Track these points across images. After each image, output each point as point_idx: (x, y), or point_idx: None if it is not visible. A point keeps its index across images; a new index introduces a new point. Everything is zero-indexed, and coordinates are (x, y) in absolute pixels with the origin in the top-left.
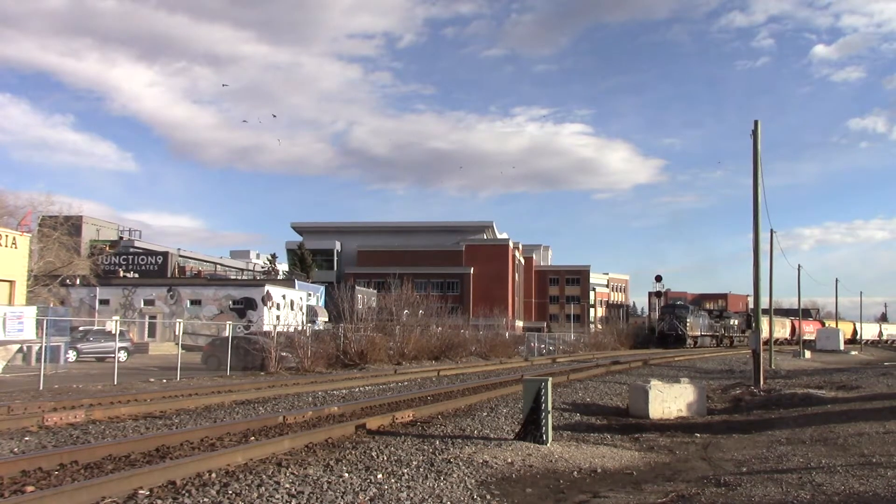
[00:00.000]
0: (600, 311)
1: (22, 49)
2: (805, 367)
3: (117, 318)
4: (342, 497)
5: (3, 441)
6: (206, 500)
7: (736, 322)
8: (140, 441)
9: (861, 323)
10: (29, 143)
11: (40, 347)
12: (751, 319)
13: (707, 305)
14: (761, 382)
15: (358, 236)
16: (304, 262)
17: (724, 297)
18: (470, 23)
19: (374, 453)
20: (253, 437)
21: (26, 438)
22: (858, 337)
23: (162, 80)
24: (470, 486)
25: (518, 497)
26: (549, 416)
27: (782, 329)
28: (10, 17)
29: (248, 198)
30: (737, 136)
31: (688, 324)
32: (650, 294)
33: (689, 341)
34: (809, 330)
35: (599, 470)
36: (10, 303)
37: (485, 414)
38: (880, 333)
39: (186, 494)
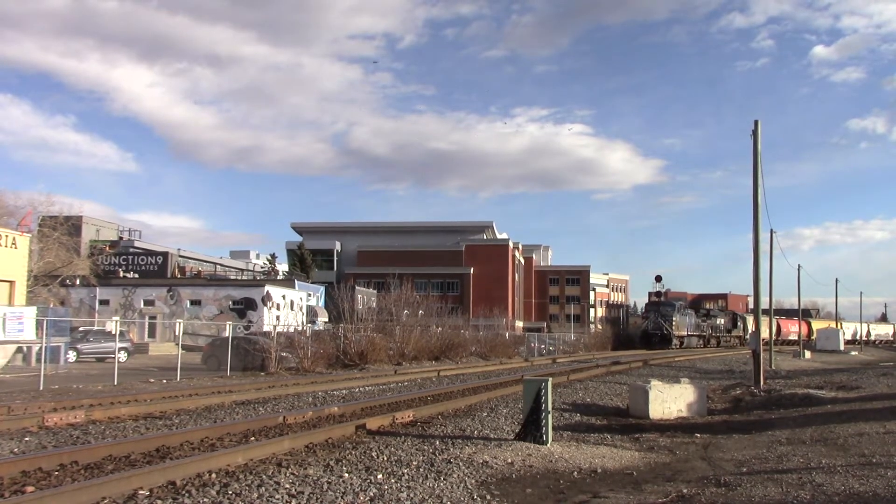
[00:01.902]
0: (600, 311)
1: (23, 49)
2: (805, 368)
3: (117, 318)
4: (342, 497)
5: (3, 441)
6: (206, 500)
7: (722, 321)
8: (140, 441)
9: (861, 323)
10: (30, 143)
11: (40, 348)
12: (736, 319)
13: (707, 305)
14: (761, 383)
15: (358, 236)
16: (304, 263)
17: (724, 297)
18: (470, 24)
19: (374, 453)
20: (253, 438)
21: (26, 439)
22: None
23: (162, 80)
24: (470, 487)
25: (518, 497)
26: (550, 416)
27: (766, 329)
28: (12, 18)
29: (248, 198)
30: (737, 136)
31: (674, 322)
32: (650, 294)
33: (676, 341)
34: (794, 329)
35: (599, 470)
36: (10, 303)
37: (485, 414)
38: (868, 333)
39: (186, 495)
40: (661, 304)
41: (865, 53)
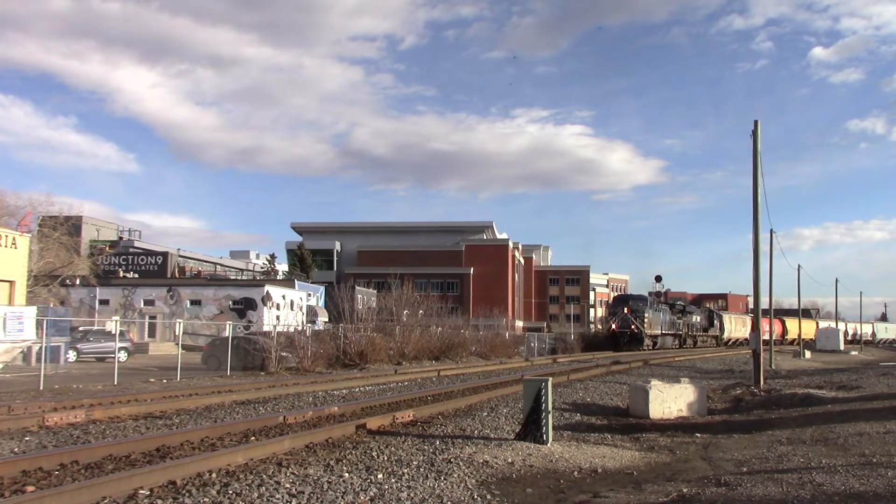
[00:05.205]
0: (601, 311)
1: (25, 51)
2: (805, 368)
3: (117, 318)
4: (342, 497)
5: (3, 441)
6: (206, 500)
7: (698, 319)
8: (140, 441)
9: (861, 323)
10: (32, 144)
11: (40, 347)
12: (712, 317)
13: (707, 305)
14: (761, 382)
15: (358, 236)
16: (304, 263)
17: (724, 297)
18: (471, 25)
19: (374, 453)
20: (253, 437)
21: (27, 438)
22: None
23: (164, 81)
24: (470, 486)
25: (518, 497)
26: (550, 416)
27: (743, 328)
28: (14, 19)
29: (249, 198)
30: (737, 136)
31: (646, 320)
32: (650, 294)
33: (648, 341)
34: (768, 329)
35: (600, 470)
36: (10, 303)
37: (485, 414)
38: (846, 332)
39: (187, 494)
40: (630, 297)
41: (864, 55)
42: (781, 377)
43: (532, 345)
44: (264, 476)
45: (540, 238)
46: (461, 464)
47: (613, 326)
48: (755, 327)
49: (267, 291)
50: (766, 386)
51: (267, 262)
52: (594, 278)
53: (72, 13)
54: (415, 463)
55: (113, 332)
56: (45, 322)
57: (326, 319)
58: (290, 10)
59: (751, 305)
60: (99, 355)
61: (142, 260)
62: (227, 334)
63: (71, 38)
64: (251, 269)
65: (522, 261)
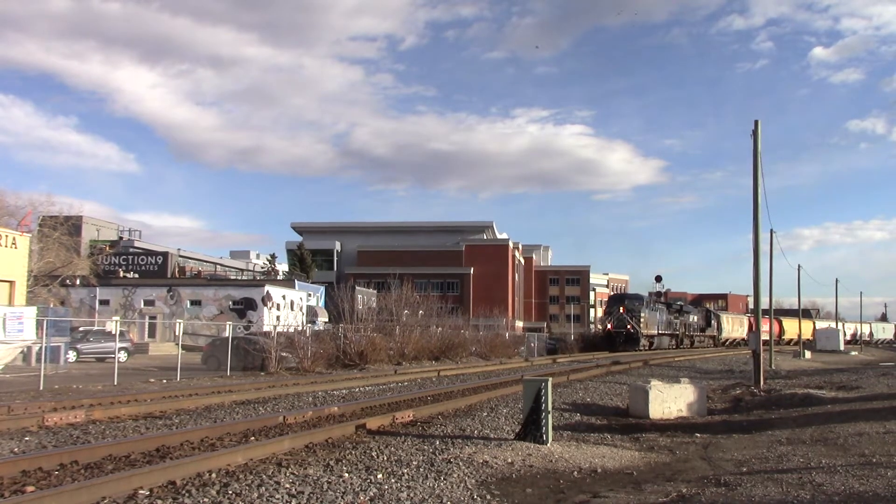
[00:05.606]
0: (601, 311)
1: (26, 51)
2: (805, 368)
3: (117, 318)
4: (342, 497)
5: (3, 441)
6: (206, 500)
7: (695, 318)
8: (140, 441)
9: (861, 323)
10: (32, 144)
11: (40, 348)
12: (709, 317)
13: (707, 305)
14: (761, 382)
15: (358, 236)
16: (304, 263)
17: (724, 297)
18: (471, 25)
19: (374, 453)
20: (253, 438)
21: (26, 438)
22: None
23: (164, 81)
24: (470, 486)
25: (518, 497)
26: (550, 416)
27: (740, 328)
28: (14, 19)
29: (249, 198)
30: (737, 136)
31: (642, 319)
32: (650, 294)
33: (644, 341)
34: (765, 329)
35: (600, 470)
36: (10, 303)
37: (485, 414)
38: (846, 332)
39: (186, 494)
40: (626, 297)
41: (864, 55)
42: (781, 377)
43: (532, 345)
44: (264, 476)
45: (540, 238)
46: (461, 464)
47: (609, 326)
48: (754, 327)
49: (267, 292)
50: (766, 386)
51: (267, 263)
52: (594, 278)
53: (72, 13)
54: (414, 463)
55: (113, 332)
56: (45, 322)
57: (326, 319)
58: (290, 10)
59: (751, 305)
60: (99, 355)
61: (142, 260)
62: (227, 334)
63: (71, 38)
64: (251, 269)
65: (522, 261)
